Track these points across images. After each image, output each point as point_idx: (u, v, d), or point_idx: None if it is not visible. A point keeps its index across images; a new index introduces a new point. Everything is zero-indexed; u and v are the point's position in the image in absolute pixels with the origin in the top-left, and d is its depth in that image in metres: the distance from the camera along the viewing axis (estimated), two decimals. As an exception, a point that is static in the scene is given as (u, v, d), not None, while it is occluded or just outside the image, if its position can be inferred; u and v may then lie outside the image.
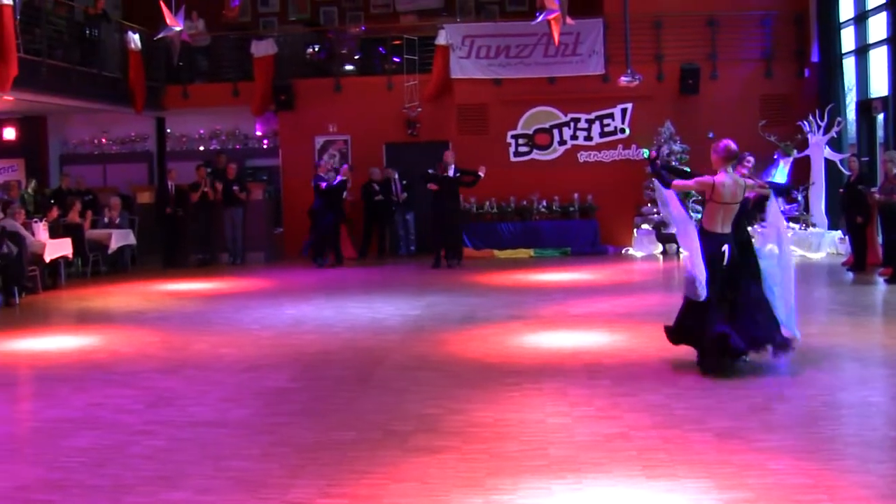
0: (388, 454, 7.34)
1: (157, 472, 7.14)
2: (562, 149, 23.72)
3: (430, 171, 20.94)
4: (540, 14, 18.83)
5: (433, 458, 7.18)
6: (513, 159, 23.74)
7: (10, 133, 25.49)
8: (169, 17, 20.60)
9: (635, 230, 22.51)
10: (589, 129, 23.65)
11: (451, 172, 20.82)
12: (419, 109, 23.65)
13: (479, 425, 8.06)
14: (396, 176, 23.20)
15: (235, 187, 22.59)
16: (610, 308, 14.31)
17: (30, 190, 23.32)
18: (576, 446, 7.38)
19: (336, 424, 8.28)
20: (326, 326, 13.59)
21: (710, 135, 21.02)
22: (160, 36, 21.41)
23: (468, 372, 10.27)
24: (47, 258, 18.55)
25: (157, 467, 7.24)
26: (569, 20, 18.71)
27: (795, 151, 21.10)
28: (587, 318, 13.62)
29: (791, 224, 20.82)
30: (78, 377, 10.70)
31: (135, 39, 22.71)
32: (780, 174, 20.96)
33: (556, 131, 23.71)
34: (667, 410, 8.38)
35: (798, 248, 20.07)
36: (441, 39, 23.35)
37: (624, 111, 23.52)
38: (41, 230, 18.74)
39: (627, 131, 23.33)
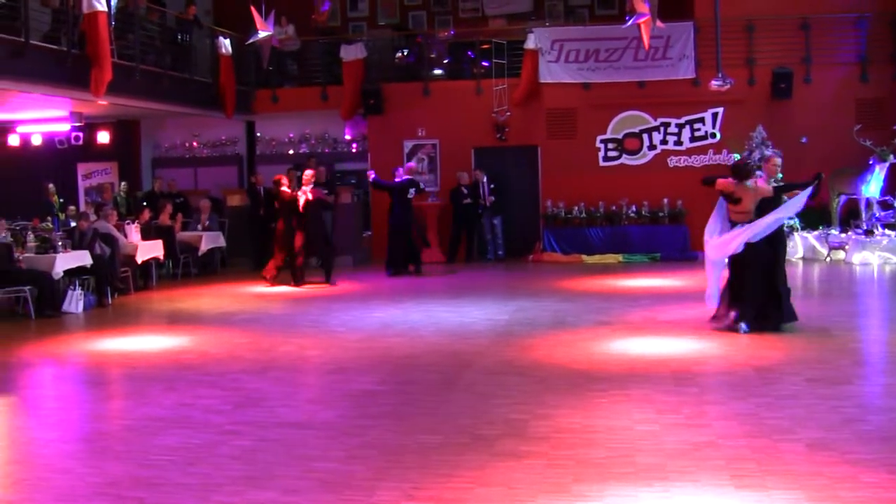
0: (474, 458, 7.34)
1: (245, 471, 7.21)
2: (651, 153, 23.55)
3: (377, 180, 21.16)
4: (630, 18, 18.77)
5: (519, 463, 7.17)
6: (602, 164, 23.62)
7: (104, 137, 25.92)
8: (259, 23, 20.84)
9: (726, 236, 22.24)
10: (679, 134, 23.45)
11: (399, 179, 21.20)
12: (508, 114, 23.64)
13: (566, 431, 8.03)
14: (485, 179, 23.19)
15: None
16: (699, 315, 14.13)
17: (122, 192, 23.72)
18: (663, 454, 7.32)
19: (422, 428, 8.30)
20: (414, 330, 13.62)
21: (804, 140, 20.76)
22: (251, 41, 21.67)
23: (555, 377, 10.23)
24: (139, 260, 18.84)
25: (245, 467, 7.32)
26: (659, 24, 18.61)
27: (892, 157, 20.67)
28: (676, 324, 13.49)
29: (887, 231, 20.46)
30: (168, 377, 10.86)
31: (226, 44, 22.99)
32: (876, 180, 20.61)
33: (645, 136, 23.55)
34: (756, 419, 8.26)
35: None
36: (530, 43, 23.30)
37: (715, 116, 23.28)
38: (133, 232, 19.05)
39: (718, 136, 23.10)
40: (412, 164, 22.50)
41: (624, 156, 23.59)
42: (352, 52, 24.44)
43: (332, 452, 7.65)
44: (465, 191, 23.15)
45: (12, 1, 16.41)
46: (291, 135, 26.46)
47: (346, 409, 9.18)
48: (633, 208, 23.04)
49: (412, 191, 20.95)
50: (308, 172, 19.27)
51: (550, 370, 10.62)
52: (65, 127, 24.04)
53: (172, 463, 7.48)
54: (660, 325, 13.47)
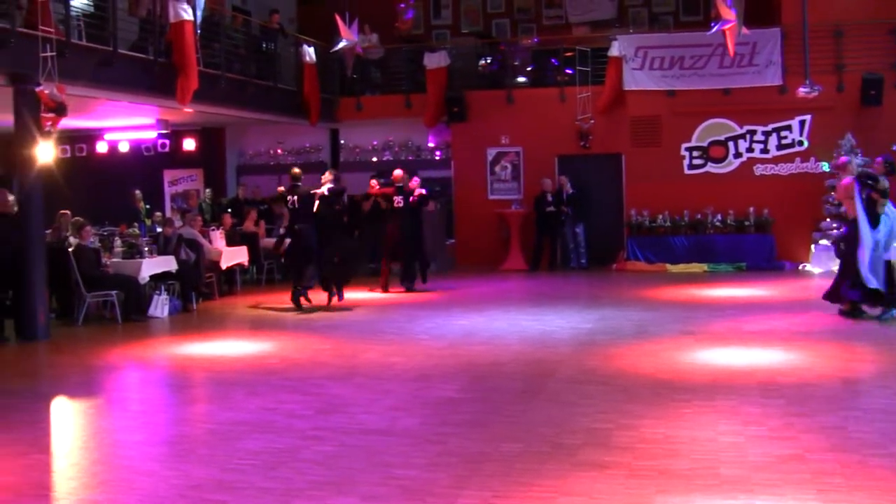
0: (556, 467, 7.28)
1: (326, 477, 7.22)
2: (737, 161, 23.26)
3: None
4: (715, 24, 18.59)
5: (601, 473, 7.09)
6: (687, 172, 23.39)
7: (189, 144, 26.23)
8: (343, 31, 20.95)
9: (813, 245, 21.88)
10: (765, 142, 23.14)
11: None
12: (592, 121, 23.51)
13: (649, 441, 7.94)
14: (569, 185, 23.07)
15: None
16: (786, 325, 13.96)
17: (207, 199, 23.97)
18: (748, 466, 7.20)
19: (504, 436, 8.26)
20: (497, 338, 13.58)
21: (895, 147, 20.35)
22: (335, 49, 21.79)
23: (639, 387, 10.14)
24: (224, 265, 19.02)
25: (326, 473, 7.33)
26: (745, 30, 18.40)
27: None
28: (762, 335, 13.30)
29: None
30: (251, 382, 10.94)
31: (310, 53, 23.13)
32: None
33: (731, 143, 23.27)
34: (843, 433, 8.11)
35: None
36: (614, 51, 23.17)
37: (802, 123, 22.92)
38: (218, 238, 19.24)
39: (806, 144, 22.77)
40: (328, 175, 19.40)
41: (709, 164, 23.34)
42: (435, 60, 24.48)
43: (413, 459, 7.64)
44: (549, 198, 23.05)
45: (101, 11, 16.65)
46: (375, 142, 26.56)
47: (428, 416, 9.17)
48: (719, 217, 22.77)
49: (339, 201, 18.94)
50: (397, 173, 19.81)
51: (634, 380, 10.53)
52: (151, 134, 24.38)
53: (254, 467, 7.52)
54: (745, 336, 13.29)
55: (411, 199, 19.39)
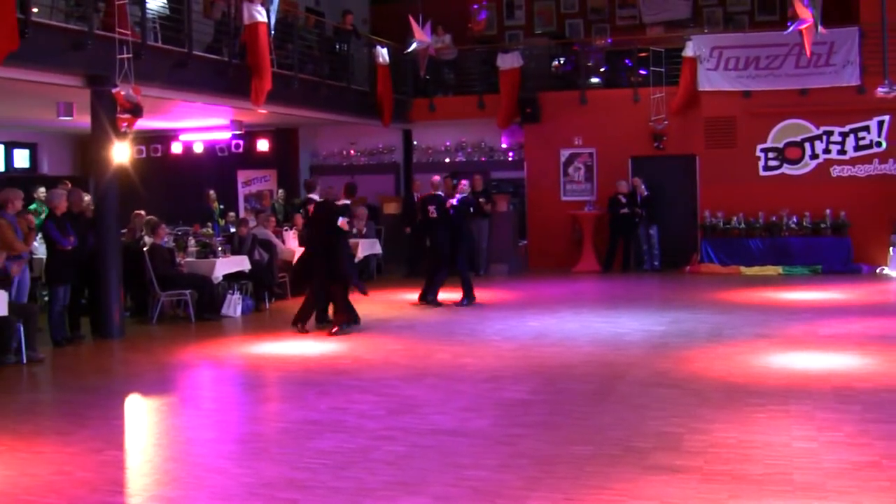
0: (627, 471, 7.23)
1: (397, 477, 7.23)
2: (814, 163, 22.94)
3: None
4: (791, 24, 18.34)
5: (673, 478, 7.03)
6: (762, 174, 23.11)
7: (263, 145, 26.45)
8: (417, 32, 20.99)
9: (892, 248, 21.55)
10: (843, 143, 22.80)
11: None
12: (666, 122, 23.34)
13: (722, 446, 7.86)
14: (644, 186, 22.91)
15: (481, 199, 22.75)
16: (862, 329, 13.75)
17: (280, 200, 24.15)
18: (822, 473, 7.09)
19: (575, 438, 8.23)
20: (569, 340, 13.53)
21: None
22: (408, 50, 21.84)
23: (712, 391, 10.04)
24: (297, 265, 19.12)
25: (397, 473, 7.35)
26: (822, 29, 18.15)
27: None
28: (838, 339, 13.11)
29: None
30: (323, 381, 10.99)
31: (383, 53, 23.20)
32: None
33: (807, 145, 22.96)
34: (922, 439, 7.97)
35: None
36: (688, 51, 22.97)
37: (881, 124, 22.54)
38: (291, 238, 19.35)
39: (884, 145, 22.39)
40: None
41: (785, 165, 23.04)
42: (508, 61, 24.43)
43: (484, 461, 7.63)
44: (623, 200, 22.92)
45: (176, 13, 16.82)
46: (448, 143, 26.60)
47: (499, 417, 9.15)
48: (794, 219, 22.48)
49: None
50: (434, 179, 18.84)
51: (707, 383, 10.43)
52: (226, 135, 24.65)
53: (325, 466, 7.55)
54: (821, 340, 13.11)
55: (448, 207, 17.73)
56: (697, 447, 7.83)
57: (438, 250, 17.82)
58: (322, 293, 15.20)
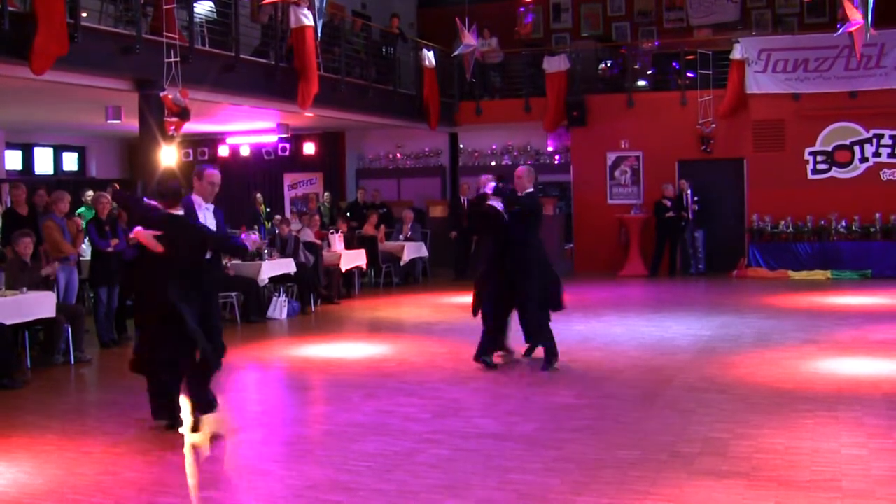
0: (673, 476, 7.19)
1: (442, 480, 7.22)
2: (863, 166, 22.72)
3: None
4: (841, 25, 18.18)
5: (719, 483, 6.98)
6: (811, 177, 22.92)
7: (310, 148, 26.55)
8: (464, 35, 21.00)
9: (943, 253, 21.33)
10: (893, 146, 22.54)
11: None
12: (713, 125, 23.21)
13: (769, 452, 7.79)
14: (690, 190, 22.77)
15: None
16: (914, 334, 13.62)
17: (326, 203, 24.22)
18: (872, 480, 7.01)
19: (621, 443, 8.18)
20: (615, 344, 13.47)
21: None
22: (455, 54, 21.84)
23: (759, 396, 9.95)
24: (343, 268, 19.16)
25: (442, 476, 7.33)
26: (872, 31, 17.96)
27: None
28: (888, 344, 12.96)
29: None
30: (369, 384, 11.00)
31: (429, 57, 23.23)
32: None
33: (857, 148, 22.75)
34: (975, 446, 7.86)
35: None
36: (736, 54, 22.82)
37: (932, 127, 22.35)
38: (337, 241, 19.40)
39: (936, 148, 22.17)
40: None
41: (834, 168, 22.84)
42: (555, 64, 24.39)
43: (529, 464, 7.60)
44: (669, 203, 22.80)
45: (224, 17, 16.92)
46: (494, 146, 26.59)
47: (544, 421, 9.12)
48: (844, 223, 22.26)
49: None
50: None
51: (754, 388, 10.34)
52: (272, 138, 24.75)
53: (370, 469, 7.55)
54: (871, 345, 12.96)
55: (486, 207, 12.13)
56: (744, 453, 7.77)
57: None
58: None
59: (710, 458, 7.63)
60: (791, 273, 22.04)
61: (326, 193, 25.16)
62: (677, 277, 22.85)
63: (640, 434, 8.51)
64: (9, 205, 16.55)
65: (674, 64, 24.95)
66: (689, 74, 24.04)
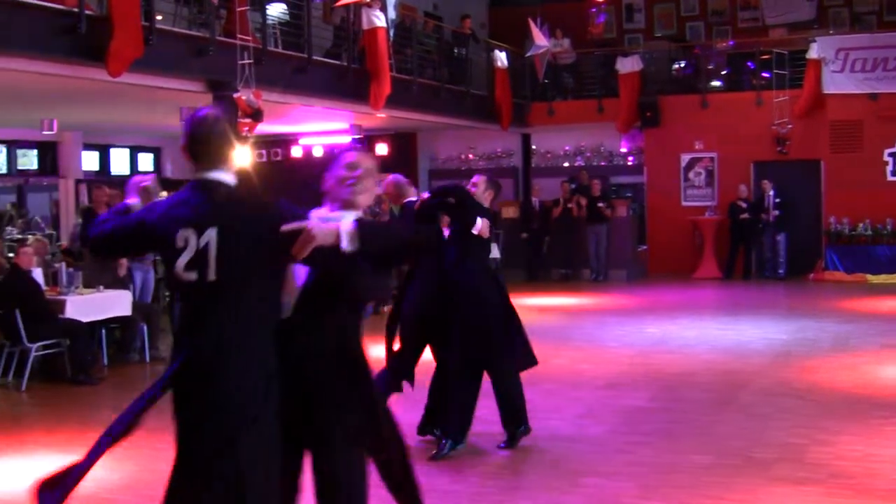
0: (748, 482, 7.10)
1: (511, 482, 7.25)
2: (944, 167, 22.33)
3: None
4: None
5: (795, 490, 6.87)
6: (889, 178, 22.51)
7: (382, 149, 26.58)
8: (536, 36, 20.93)
9: None
10: (976, 146, 22.14)
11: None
12: (789, 126, 22.90)
13: (847, 459, 7.66)
14: (772, 192, 22.42)
15: (600, 204, 22.63)
16: None
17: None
18: (955, 487, 6.87)
19: (694, 447, 8.10)
20: (688, 347, 13.34)
21: None
22: (528, 54, 21.78)
23: (837, 402, 9.80)
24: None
25: (512, 478, 7.36)
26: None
27: None
28: (970, 348, 12.74)
29: None
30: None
31: (501, 58, 23.17)
32: None
33: (938, 148, 22.36)
34: None
35: None
36: (813, 53, 22.51)
37: None
38: (410, 241, 19.37)
39: None
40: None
41: (914, 170, 22.47)
42: (628, 65, 24.22)
43: (600, 468, 7.57)
44: (744, 205, 22.53)
45: (296, 19, 17.00)
46: (567, 148, 26.46)
47: (616, 424, 9.06)
48: (924, 225, 21.91)
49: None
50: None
51: (831, 394, 10.19)
52: (345, 139, 24.80)
53: (440, 470, 7.54)
54: (952, 350, 12.74)
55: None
56: (821, 459, 7.65)
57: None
58: None
59: (787, 465, 7.52)
60: (869, 277, 21.68)
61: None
62: (752, 280, 22.58)
63: (714, 438, 8.42)
64: (88, 204, 16.80)
65: (748, 64, 24.68)
66: (764, 74, 23.76)
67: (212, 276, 4.27)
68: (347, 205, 4.97)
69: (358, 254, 4.32)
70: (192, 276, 4.30)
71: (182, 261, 4.31)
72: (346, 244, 4.23)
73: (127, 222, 4.62)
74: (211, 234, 4.28)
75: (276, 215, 4.36)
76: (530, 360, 8.60)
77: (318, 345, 4.61)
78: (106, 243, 4.72)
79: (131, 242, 4.72)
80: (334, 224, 4.28)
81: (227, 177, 4.55)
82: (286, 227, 4.18)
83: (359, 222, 4.36)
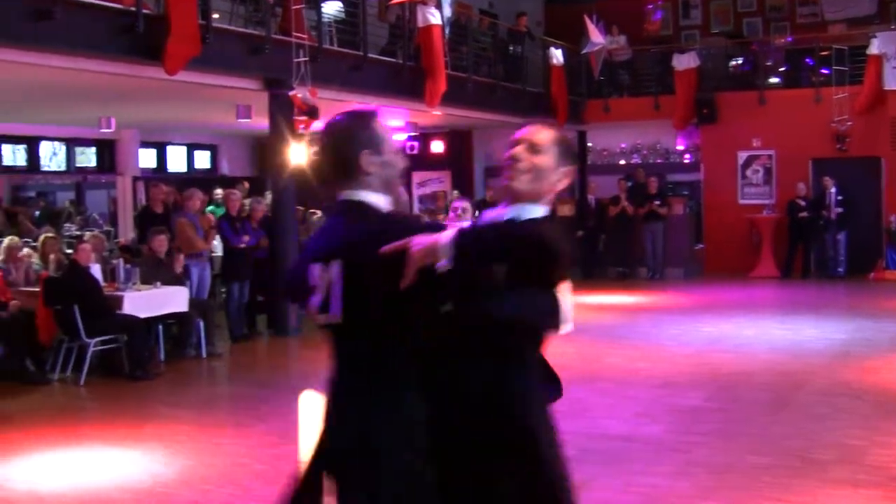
0: (805, 483, 7.01)
1: (567, 484, 7.14)
2: None
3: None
4: None
5: (854, 492, 6.78)
6: (951, 176, 22.25)
7: (437, 146, 26.62)
8: (592, 33, 20.84)
9: None
10: None
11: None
12: (849, 123, 22.63)
13: (908, 461, 7.55)
14: (834, 189, 22.16)
15: (656, 202, 22.51)
16: None
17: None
18: None
19: (751, 448, 8.02)
20: (745, 346, 13.22)
21: None
22: (583, 51, 21.69)
23: (896, 402, 9.68)
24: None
25: (567, 479, 7.25)
26: None
27: None
28: None
29: None
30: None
31: (557, 55, 23.09)
32: None
33: None
34: None
35: None
36: (873, 49, 22.23)
37: None
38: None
39: None
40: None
41: (977, 167, 22.14)
42: (685, 61, 24.05)
43: (656, 468, 7.50)
44: (803, 203, 22.30)
45: (352, 17, 17.04)
46: (623, 145, 26.34)
47: (672, 424, 8.99)
48: (983, 223, 21.59)
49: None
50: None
51: (891, 395, 10.06)
52: (401, 137, 24.82)
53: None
54: None
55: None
56: (881, 461, 7.55)
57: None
58: None
59: (846, 466, 7.43)
60: (930, 276, 21.43)
61: (455, 192, 25.18)
62: (811, 279, 22.34)
63: (772, 439, 8.33)
64: (145, 202, 16.95)
65: (807, 60, 24.43)
66: (823, 71, 23.51)
67: (336, 316, 3.63)
68: (513, 196, 3.87)
69: (469, 272, 3.48)
70: (323, 318, 3.69)
71: (314, 301, 3.68)
72: (441, 260, 3.32)
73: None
74: (335, 268, 3.57)
75: (392, 232, 3.44)
76: None
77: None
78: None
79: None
80: (434, 236, 3.35)
81: (372, 196, 3.69)
82: (385, 248, 3.35)
83: (462, 230, 3.42)
